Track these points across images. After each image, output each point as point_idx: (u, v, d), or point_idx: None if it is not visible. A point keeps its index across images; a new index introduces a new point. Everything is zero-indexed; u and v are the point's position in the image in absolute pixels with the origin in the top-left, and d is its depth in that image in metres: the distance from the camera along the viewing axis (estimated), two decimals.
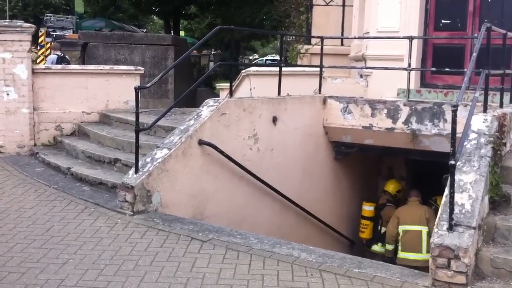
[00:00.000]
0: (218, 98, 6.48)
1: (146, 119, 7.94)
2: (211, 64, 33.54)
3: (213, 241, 4.94)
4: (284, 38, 14.66)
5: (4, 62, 8.46)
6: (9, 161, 8.16)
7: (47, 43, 20.37)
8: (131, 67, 9.50)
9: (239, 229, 5.80)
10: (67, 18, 31.49)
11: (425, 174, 8.76)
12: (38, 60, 17.06)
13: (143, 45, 14.64)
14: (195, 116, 6.18)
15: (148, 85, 6.14)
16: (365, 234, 8.98)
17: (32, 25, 8.70)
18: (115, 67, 9.74)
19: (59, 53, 12.83)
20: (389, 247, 8.17)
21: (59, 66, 9.71)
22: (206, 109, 6.24)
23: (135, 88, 5.73)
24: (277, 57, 36.45)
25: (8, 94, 8.55)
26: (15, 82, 8.54)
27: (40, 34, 28.64)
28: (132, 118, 7.92)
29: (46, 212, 5.77)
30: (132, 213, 5.63)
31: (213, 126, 6.21)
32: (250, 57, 55.28)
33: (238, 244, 4.86)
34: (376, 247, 8.78)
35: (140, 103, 12.75)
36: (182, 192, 6.00)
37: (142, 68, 9.35)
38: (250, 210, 6.97)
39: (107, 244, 4.86)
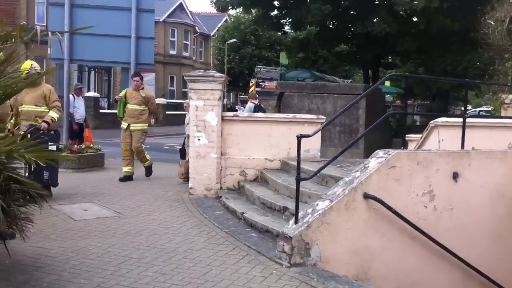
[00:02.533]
0: (388, 150, 6.06)
1: (327, 169, 7.59)
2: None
3: None
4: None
5: (197, 109, 9.10)
6: (195, 203, 8.63)
7: (256, 93, 21.84)
8: (313, 116, 9.51)
9: None
10: (275, 69, 33.48)
11: None
12: None
13: (335, 95, 14.70)
14: (362, 168, 5.85)
15: (311, 133, 6.01)
16: None
17: (223, 75, 9.26)
18: (298, 115, 9.85)
19: (256, 101, 13.52)
20: None
21: (246, 114, 10.16)
22: (374, 160, 5.87)
23: (297, 136, 5.64)
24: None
25: (199, 139, 9.14)
26: (205, 128, 9.10)
27: (250, 84, 30.92)
28: (308, 167, 7.84)
29: (210, 255, 5.90)
30: (289, 264, 5.46)
31: (381, 179, 5.80)
32: (462, 108, 52.20)
33: None
34: None
35: (328, 151, 12.73)
36: (344, 248, 5.66)
37: (323, 117, 9.29)
38: (424, 275, 6.31)
39: None
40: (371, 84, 23.60)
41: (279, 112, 14.92)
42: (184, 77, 9.53)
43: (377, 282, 5.83)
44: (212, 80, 8.98)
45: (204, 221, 7.49)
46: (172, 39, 46.35)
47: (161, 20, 43.15)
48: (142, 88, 10.77)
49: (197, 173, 9.20)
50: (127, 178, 10.61)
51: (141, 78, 10.94)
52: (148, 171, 11.09)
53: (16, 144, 4.16)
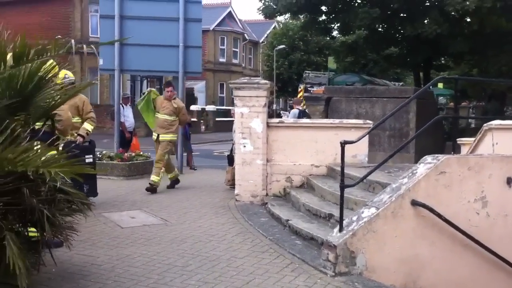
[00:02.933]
0: (437, 155, 5.84)
1: (375, 175, 7.30)
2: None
3: None
4: None
5: (242, 116, 9.08)
6: (240, 209, 8.61)
7: (304, 99, 21.73)
8: (360, 121, 9.34)
9: None
10: (324, 74, 33.11)
11: None
12: None
13: (384, 99, 14.37)
14: (410, 174, 5.66)
15: (355, 139, 5.87)
16: None
17: (268, 81, 9.21)
18: (344, 120, 9.68)
19: (300, 107, 13.37)
20: None
21: (291, 120, 10.07)
22: (423, 166, 5.67)
23: (340, 143, 5.52)
24: None
25: (244, 146, 9.12)
26: (251, 135, 9.07)
27: (299, 90, 30.74)
28: (355, 173, 7.67)
29: (253, 263, 5.84)
30: (333, 274, 5.33)
31: (430, 186, 5.59)
32: None
33: None
34: None
35: (378, 156, 12.46)
36: (391, 257, 5.48)
37: (370, 122, 9.09)
38: (477, 284, 6.05)
39: None
40: (422, 87, 23.00)
41: (326, 117, 14.73)
42: (230, 85, 9.52)
43: None
44: (257, 87, 8.94)
45: (249, 228, 7.44)
46: (222, 47, 46.85)
47: (210, 28, 43.71)
48: (174, 98, 10.57)
49: (243, 180, 9.18)
50: (174, 183, 10.74)
51: (174, 88, 10.80)
52: (153, 188, 10.08)
53: (46, 159, 4.20)
